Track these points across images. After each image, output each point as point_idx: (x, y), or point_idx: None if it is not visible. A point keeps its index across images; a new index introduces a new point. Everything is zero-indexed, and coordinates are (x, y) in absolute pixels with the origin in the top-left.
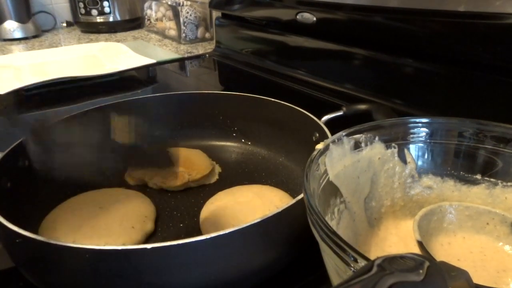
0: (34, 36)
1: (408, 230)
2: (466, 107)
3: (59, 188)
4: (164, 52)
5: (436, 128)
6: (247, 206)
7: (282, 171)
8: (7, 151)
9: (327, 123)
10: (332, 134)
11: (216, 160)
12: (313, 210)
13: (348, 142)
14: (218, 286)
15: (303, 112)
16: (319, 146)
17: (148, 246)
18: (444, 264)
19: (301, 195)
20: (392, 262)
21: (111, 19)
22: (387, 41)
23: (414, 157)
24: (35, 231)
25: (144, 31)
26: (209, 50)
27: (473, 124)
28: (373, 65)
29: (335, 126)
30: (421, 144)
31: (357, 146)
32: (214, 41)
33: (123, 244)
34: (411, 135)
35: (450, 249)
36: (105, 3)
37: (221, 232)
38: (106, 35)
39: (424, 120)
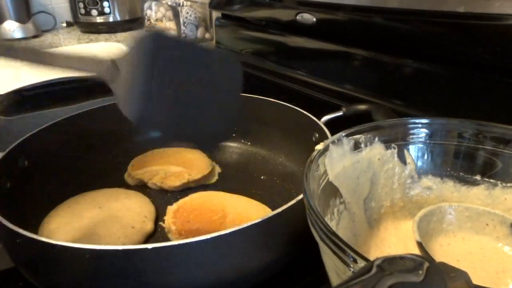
0: (34, 36)
1: (407, 231)
2: (466, 108)
3: (59, 188)
4: None
5: (436, 129)
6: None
7: (282, 171)
8: (7, 151)
9: (327, 123)
10: (332, 134)
11: (216, 160)
12: (313, 210)
13: (347, 143)
14: (218, 286)
15: (303, 113)
16: (319, 146)
17: (149, 246)
18: (443, 265)
19: (301, 195)
20: (391, 263)
21: (111, 19)
22: (387, 41)
23: (413, 157)
24: (35, 231)
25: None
26: None
27: (473, 125)
28: (373, 65)
29: (334, 126)
30: (420, 145)
31: (356, 146)
32: (214, 42)
33: (123, 244)
34: (411, 136)
35: (449, 250)
36: (105, 3)
37: (221, 232)
38: (106, 35)
39: (424, 121)
